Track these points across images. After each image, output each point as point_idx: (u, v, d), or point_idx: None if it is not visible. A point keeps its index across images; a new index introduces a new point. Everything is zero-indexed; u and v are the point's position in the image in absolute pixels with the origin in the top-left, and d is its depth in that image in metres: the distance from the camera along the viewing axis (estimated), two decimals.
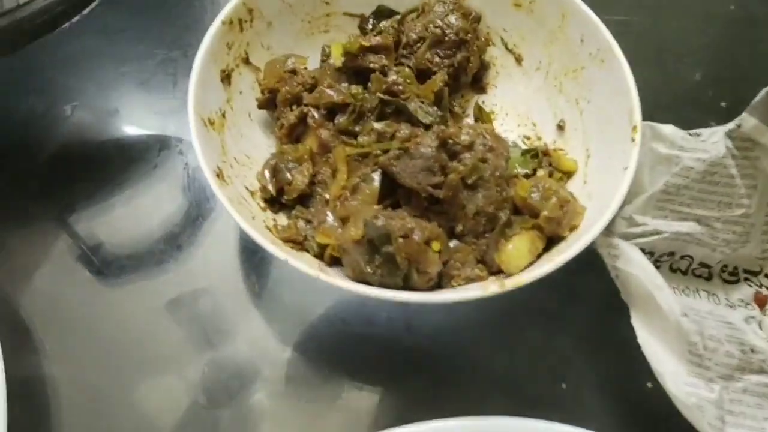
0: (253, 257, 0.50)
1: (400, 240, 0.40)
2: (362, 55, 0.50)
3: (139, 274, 0.50)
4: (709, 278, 0.49)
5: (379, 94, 0.48)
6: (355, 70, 0.50)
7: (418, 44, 0.53)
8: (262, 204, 0.48)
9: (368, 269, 0.40)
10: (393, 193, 0.46)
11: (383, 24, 0.55)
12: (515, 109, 0.55)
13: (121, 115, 0.58)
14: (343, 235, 0.42)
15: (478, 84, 0.56)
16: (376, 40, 0.51)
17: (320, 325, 0.48)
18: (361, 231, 0.40)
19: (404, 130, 0.47)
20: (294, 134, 0.50)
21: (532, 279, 0.39)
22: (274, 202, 0.48)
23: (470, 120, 0.55)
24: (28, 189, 0.54)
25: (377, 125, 0.47)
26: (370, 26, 0.56)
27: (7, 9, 0.38)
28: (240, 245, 0.51)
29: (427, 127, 0.47)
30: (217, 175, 0.43)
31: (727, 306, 0.48)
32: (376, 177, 0.45)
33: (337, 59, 0.49)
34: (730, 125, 0.45)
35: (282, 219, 0.48)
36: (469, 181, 0.43)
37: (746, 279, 0.49)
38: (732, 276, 0.49)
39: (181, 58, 0.61)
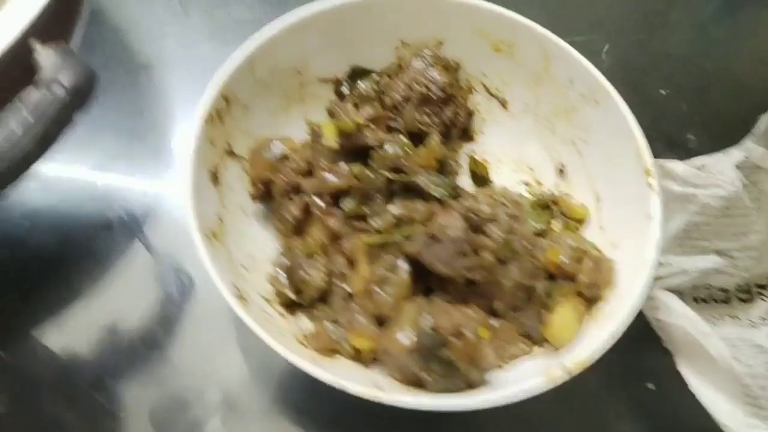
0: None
1: (456, 342, 0.38)
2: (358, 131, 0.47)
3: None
4: (727, 301, 0.50)
5: (384, 172, 0.45)
6: (351, 149, 0.47)
7: (403, 105, 0.50)
8: (281, 310, 0.44)
9: (426, 376, 0.38)
10: (421, 278, 0.43)
11: (362, 87, 0.52)
12: (508, 155, 0.54)
13: None
14: (389, 342, 0.40)
15: (466, 133, 0.55)
16: (367, 112, 0.48)
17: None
18: (410, 341, 0.38)
19: (419, 208, 0.44)
20: (299, 226, 0.46)
21: (594, 358, 0.38)
22: (291, 303, 0.45)
23: (466, 174, 0.53)
24: None
25: (393, 209, 0.44)
26: (346, 89, 0.53)
27: None
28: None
29: (440, 201, 0.45)
30: (239, 297, 0.40)
31: (750, 326, 0.49)
32: (404, 266, 0.43)
33: (331, 141, 0.46)
34: (737, 155, 0.46)
35: (303, 321, 0.45)
36: (502, 257, 0.42)
37: (759, 293, 0.51)
38: (745, 294, 0.50)
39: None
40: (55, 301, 0.48)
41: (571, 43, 0.49)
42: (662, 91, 0.63)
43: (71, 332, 0.47)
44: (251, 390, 0.46)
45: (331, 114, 0.53)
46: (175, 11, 0.62)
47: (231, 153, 0.48)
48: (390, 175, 0.46)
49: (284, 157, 0.47)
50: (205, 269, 0.39)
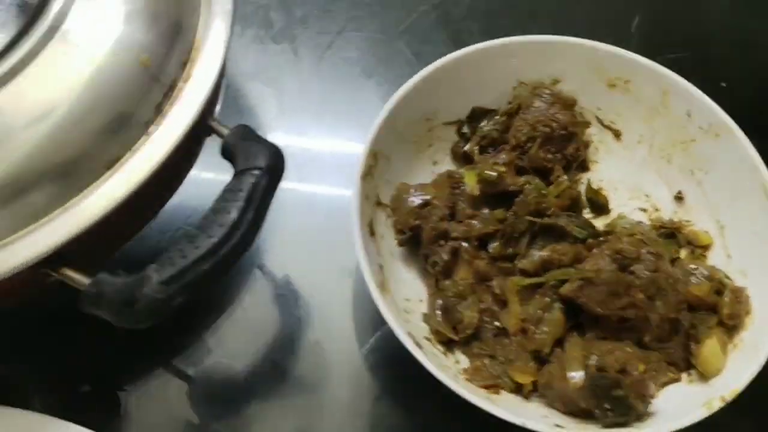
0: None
1: (625, 380, 0.41)
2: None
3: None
4: None
5: (527, 217, 0.49)
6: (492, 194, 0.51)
7: (528, 144, 0.54)
8: (441, 348, 0.48)
9: (597, 412, 0.42)
10: (571, 316, 0.47)
11: (484, 127, 0.55)
12: (623, 182, 0.57)
13: None
14: (553, 378, 0.44)
15: (582, 163, 0.58)
16: (502, 158, 0.51)
17: None
18: (581, 380, 0.42)
19: (565, 249, 0.48)
20: (448, 269, 0.50)
21: (745, 384, 0.42)
22: (448, 341, 0.49)
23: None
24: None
25: (539, 252, 0.48)
26: (467, 129, 0.56)
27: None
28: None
29: (582, 241, 0.49)
30: (416, 345, 0.44)
31: None
32: (557, 306, 0.46)
33: (473, 188, 0.50)
34: None
35: (460, 357, 0.49)
36: (650, 294, 0.45)
37: None
38: None
39: None
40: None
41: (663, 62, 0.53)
42: None
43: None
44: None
45: (455, 155, 0.56)
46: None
47: (379, 203, 0.51)
48: (533, 219, 0.49)
49: (426, 204, 0.51)
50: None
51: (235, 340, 0.52)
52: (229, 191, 0.39)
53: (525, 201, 0.49)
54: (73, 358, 0.50)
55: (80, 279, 0.38)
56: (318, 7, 0.67)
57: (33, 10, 0.40)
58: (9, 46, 0.38)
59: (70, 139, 0.39)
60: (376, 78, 0.64)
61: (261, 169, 0.40)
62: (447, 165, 0.56)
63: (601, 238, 0.49)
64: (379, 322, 0.45)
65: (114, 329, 0.38)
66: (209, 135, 0.45)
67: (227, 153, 0.42)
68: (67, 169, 0.39)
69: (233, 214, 0.38)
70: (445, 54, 0.63)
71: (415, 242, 0.51)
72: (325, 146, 0.61)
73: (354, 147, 0.60)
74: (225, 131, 0.43)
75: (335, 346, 0.52)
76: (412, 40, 0.66)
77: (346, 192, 0.57)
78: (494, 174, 0.49)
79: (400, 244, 0.51)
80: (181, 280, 0.36)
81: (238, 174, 0.40)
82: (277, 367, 0.51)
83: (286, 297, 0.54)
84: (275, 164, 0.40)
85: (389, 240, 0.51)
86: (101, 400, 0.50)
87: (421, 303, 0.50)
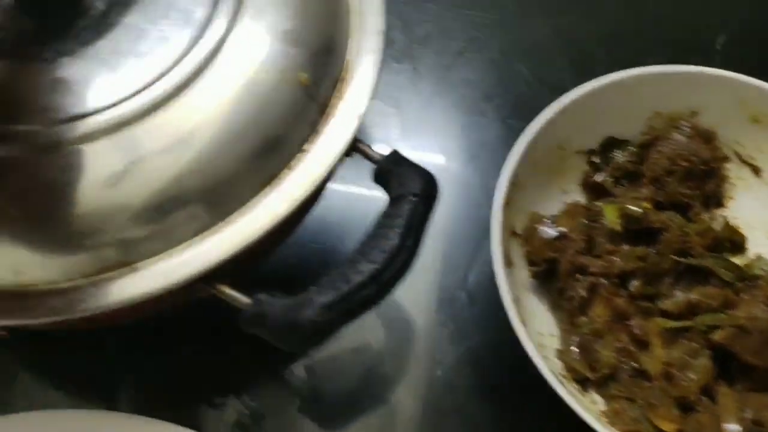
0: None
1: None
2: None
3: None
4: None
5: (671, 256, 0.47)
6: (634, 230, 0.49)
7: (666, 178, 0.52)
8: (577, 387, 0.47)
9: None
10: (719, 363, 0.45)
11: (618, 158, 0.54)
12: (760, 220, 0.54)
13: None
14: (701, 427, 0.42)
15: (718, 199, 0.55)
16: (642, 194, 0.50)
17: None
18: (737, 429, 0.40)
19: (713, 293, 0.46)
20: (583, 304, 0.48)
21: None
22: (583, 380, 0.47)
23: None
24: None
25: (685, 294, 0.46)
26: (599, 159, 0.55)
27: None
28: None
29: (730, 284, 0.47)
30: (559, 382, 0.42)
31: None
32: (705, 352, 0.44)
33: (615, 224, 0.48)
34: None
35: (595, 397, 0.47)
36: None
37: None
38: None
39: None
40: None
41: None
42: None
43: None
44: None
45: (586, 184, 0.55)
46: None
47: (514, 233, 0.50)
48: (677, 258, 0.47)
49: (562, 236, 0.49)
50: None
51: (345, 355, 0.52)
52: (387, 217, 0.39)
53: (669, 240, 0.47)
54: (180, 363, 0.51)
55: (239, 298, 0.38)
56: (438, 27, 0.67)
57: (199, 25, 0.40)
58: (176, 62, 0.39)
59: (232, 155, 0.39)
60: (496, 100, 0.63)
61: (417, 195, 0.39)
62: (576, 194, 0.55)
63: (749, 282, 0.46)
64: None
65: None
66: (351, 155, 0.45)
67: (380, 178, 0.42)
68: (228, 185, 0.39)
69: (394, 241, 0.37)
70: (565, 77, 0.63)
71: (548, 275, 0.50)
72: (444, 169, 0.60)
73: (471, 169, 0.60)
74: (376, 155, 0.42)
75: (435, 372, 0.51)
76: (532, 63, 0.65)
77: (464, 213, 0.58)
78: (639, 210, 0.48)
79: (534, 276, 0.50)
80: (343, 305, 0.36)
81: (395, 200, 0.39)
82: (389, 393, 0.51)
83: (400, 320, 0.53)
84: (430, 190, 0.40)
85: (522, 271, 0.50)
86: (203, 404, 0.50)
87: (553, 338, 0.49)
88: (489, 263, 0.55)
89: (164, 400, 0.50)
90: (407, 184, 0.40)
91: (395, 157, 0.42)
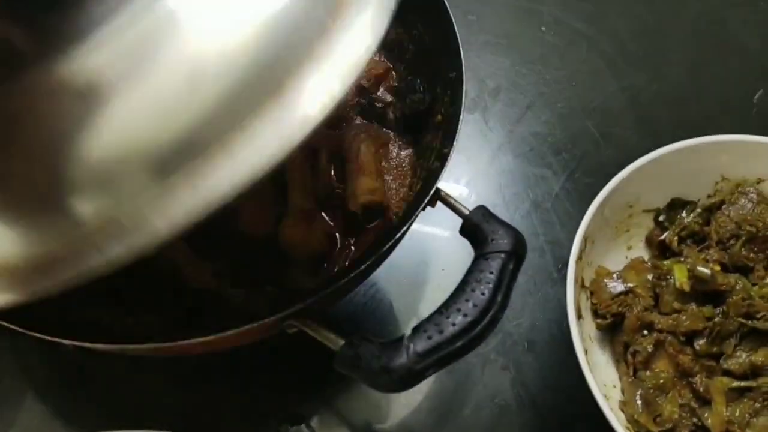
0: None
1: None
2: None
3: None
4: None
5: (738, 319, 0.49)
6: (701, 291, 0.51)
7: (731, 241, 0.54)
8: None
9: None
10: None
11: (685, 218, 0.56)
12: None
13: None
14: None
15: None
16: (711, 256, 0.52)
17: None
18: None
19: None
20: (648, 359, 0.51)
21: None
22: None
23: None
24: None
25: (749, 355, 0.48)
26: (665, 219, 0.57)
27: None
28: None
29: None
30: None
31: None
32: (767, 412, 0.46)
33: (683, 283, 0.50)
34: None
35: None
36: None
37: None
38: None
39: None
40: None
41: None
42: None
43: None
44: None
45: (650, 242, 0.57)
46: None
47: (583, 286, 0.52)
48: (743, 321, 0.49)
49: (629, 291, 0.52)
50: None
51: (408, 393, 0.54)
52: (478, 272, 0.41)
53: (735, 302, 0.49)
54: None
55: (333, 338, 0.41)
56: (509, 80, 0.70)
57: None
58: None
59: None
60: (564, 155, 0.66)
61: (507, 252, 0.42)
62: (640, 251, 0.57)
63: None
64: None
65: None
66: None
67: (467, 232, 0.45)
68: None
69: (486, 295, 0.40)
70: (630, 136, 0.65)
71: (613, 328, 0.52)
72: (509, 219, 0.62)
73: (537, 220, 0.62)
74: (464, 210, 0.45)
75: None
76: (599, 120, 0.68)
77: (526, 262, 0.60)
78: (707, 272, 0.50)
79: (600, 328, 0.52)
80: (436, 354, 0.39)
81: (485, 255, 0.42)
82: None
83: (461, 362, 0.56)
84: (520, 249, 0.43)
85: (588, 322, 0.52)
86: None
87: (615, 389, 0.51)
88: (549, 311, 0.58)
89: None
90: (497, 242, 0.43)
91: (483, 213, 0.45)
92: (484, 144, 0.67)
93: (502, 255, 0.42)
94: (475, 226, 0.44)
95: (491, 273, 0.41)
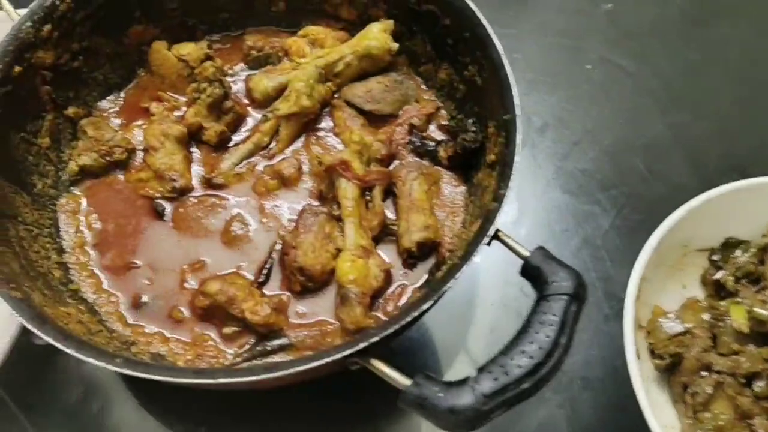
0: None
1: None
2: None
3: None
4: None
5: None
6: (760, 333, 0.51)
7: None
8: None
9: None
10: None
11: (739, 258, 0.56)
12: None
13: None
14: None
15: None
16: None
17: None
18: None
19: None
20: (708, 401, 0.50)
21: None
22: None
23: None
24: None
25: None
26: (719, 258, 0.57)
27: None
28: None
29: None
30: None
31: None
32: None
33: (742, 325, 0.50)
34: None
35: None
36: None
37: None
38: None
39: None
40: None
41: None
42: None
43: None
44: None
45: (705, 281, 0.57)
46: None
47: (640, 326, 0.53)
48: None
49: (686, 332, 0.52)
50: None
51: None
52: (541, 314, 0.42)
53: None
54: None
55: (398, 378, 0.42)
56: (555, 117, 0.71)
57: None
58: None
59: None
60: (612, 191, 0.66)
61: (569, 295, 0.43)
62: (695, 290, 0.57)
63: None
64: None
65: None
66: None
67: (528, 273, 0.45)
68: None
69: (550, 338, 0.41)
70: (679, 172, 0.66)
71: (671, 368, 0.52)
72: (558, 255, 0.63)
73: (587, 257, 0.63)
74: (524, 251, 0.46)
75: None
76: (647, 157, 0.68)
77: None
78: (766, 314, 0.50)
79: (658, 369, 0.52)
80: (502, 396, 0.39)
81: (547, 298, 0.43)
82: None
83: None
84: (582, 292, 0.43)
85: (645, 363, 0.52)
86: None
87: (673, 430, 0.51)
88: (602, 347, 0.58)
89: None
90: (559, 284, 0.43)
91: (543, 254, 0.45)
92: (532, 180, 0.67)
93: (565, 297, 0.42)
94: (536, 268, 0.45)
95: (554, 315, 0.41)
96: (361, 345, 0.42)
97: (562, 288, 0.43)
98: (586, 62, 0.74)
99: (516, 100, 0.51)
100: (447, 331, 0.61)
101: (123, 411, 0.58)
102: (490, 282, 0.62)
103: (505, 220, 0.65)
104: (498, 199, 0.48)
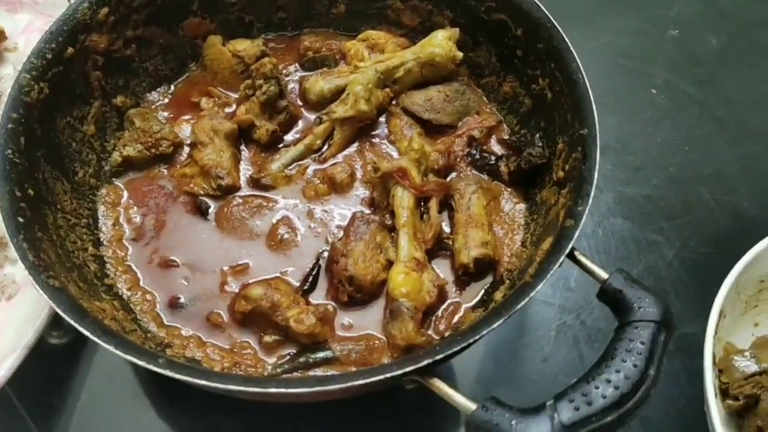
0: None
1: None
2: None
3: None
4: None
5: None
6: None
7: None
8: None
9: None
10: None
11: None
12: None
13: None
14: None
15: None
16: None
17: None
18: None
19: None
20: None
21: None
22: None
23: None
24: None
25: None
26: None
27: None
28: None
29: None
30: None
31: None
32: None
33: None
34: None
35: None
36: None
37: None
38: None
39: None
40: None
41: None
42: None
43: None
44: None
45: None
46: None
47: (714, 362, 0.49)
48: None
49: (763, 372, 0.48)
50: None
51: None
52: (627, 341, 0.39)
53: None
54: None
55: (463, 401, 0.38)
56: (617, 140, 0.68)
57: None
58: None
59: None
60: (677, 221, 0.63)
61: (657, 322, 0.39)
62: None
63: None
64: None
65: None
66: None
67: (608, 297, 0.42)
68: None
69: (638, 367, 0.37)
70: (748, 206, 0.62)
71: (746, 410, 0.48)
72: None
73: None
74: (602, 274, 0.43)
75: None
76: (714, 187, 0.65)
77: None
78: None
79: (731, 410, 0.48)
80: (584, 427, 0.36)
81: (634, 324, 0.39)
82: None
83: None
84: (671, 319, 0.40)
85: (717, 403, 0.49)
86: None
87: None
88: (663, 384, 0.54)
89: None
90: (645, 310, 0.40)
91: (625, 277, 0.42)
92: (592, 204, 0.64)
93: (653, 325, 0.39)
94: (618, 291, 0.41)
95: (642, 343, 0.38)
96: (425, 362, 0.39)
97: (649, 314, 0.39)
98: (651, 86, 0.71)
99: (595, 116, 0.48)
100: (491, 352, 0.57)
101: (134, 412, 0.55)
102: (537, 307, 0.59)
103: None
104: (575, 216, 0.45)
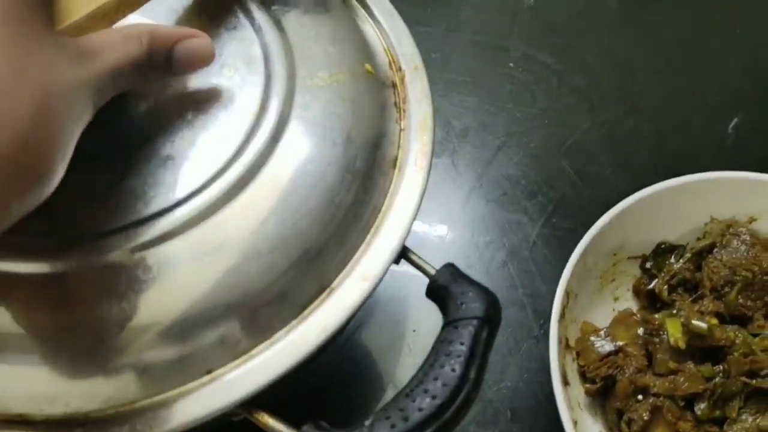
0: None
1: None
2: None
3: None
4: None
5: (742, 378, 0.44)
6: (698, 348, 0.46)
7: (725, 288, 0.49)
8: None
9: None
10: None
11: (674, 265, 0.51)
12: None
13: None
14: None
15: None
16: (707, 307, 0.47)
17: None
18: None
19: None
20: (645, 428, 0.45)
21: None
22: None
23: None
24: None
25: (759, 421, 0.43)
26: (652, 266, 0.52)
27: None
28: None
29: None
30: None
31: None
32: None
33: (679, 340, 0.45)
34: None
35: None
36: None
37: None
38: None
39: None
40: None
41: None
42: None
43: None
44: None
45: (638, 291, 0.52)
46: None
47: (567, 346, 0.47)
48: (746, 380, 0.44)
49: (619, 351, 0.47)
50: None
51: None
52: (447, 343, 0.36)
53: (738, 359, 0.44)
54: None
55: (283, 429, 0.35)
56: (477, 120, 0.66)
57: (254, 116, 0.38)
58: (213, 178, 0.36)
59: (282, 267, 0.36)
60: (539, 198, 0.61)
61: (479, 319, 0.36)
62: (628, 301, 0.53)
63: None
64: None
65: None
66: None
67: (434, 294, 0.39)
68: (269, 302, 0.36)
69: (457, 372, 0.34)
70: (610, 175, 0.61)
71: (605, 392, 0.47)
72: (484, 272, 0.57)
73: (514, 271, 0.57)
74: (430, 269, 0.40)
75: None
76: (576, 159, 0.63)
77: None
78: (704, 326, 0.45)
79: (589, 394, 0.47)
80: None
81: (455, 323, 0.37)
82: None
83: None
84: (494, 315, 0.37)
85: (576, 387, 0.47)
86: None
87: None
88: (533, 372, 0.53)
89: None
90: (468, 306, 0.37)
91: (452, 272, 0.39)
92: (453, 189, 0.62)
93: (474, 322, 0.36)
94: (443, 288, 0.38)
95: (462, 344, 0.35)
96: (241, 397, 0.35)
97: (471, 311, 0.36)
98: (509, 60, 0.69)
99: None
100: (371, 361, 0.54)
101: None
102: (414, 305, 0.56)
103: (424, 234, 0.59)
104: None
